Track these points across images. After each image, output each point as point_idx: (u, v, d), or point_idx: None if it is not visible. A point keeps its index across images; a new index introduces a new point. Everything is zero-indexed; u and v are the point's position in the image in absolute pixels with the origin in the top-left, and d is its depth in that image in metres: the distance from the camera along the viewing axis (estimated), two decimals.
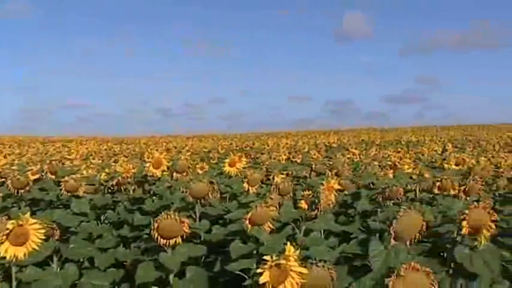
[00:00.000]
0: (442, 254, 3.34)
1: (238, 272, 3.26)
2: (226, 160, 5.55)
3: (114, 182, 5.53)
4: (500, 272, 3.14)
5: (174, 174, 5.41)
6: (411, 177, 6.06)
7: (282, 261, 2.32)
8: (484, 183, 5.67)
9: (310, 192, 4.03)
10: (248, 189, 4.82)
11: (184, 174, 5.46)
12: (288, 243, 2.39)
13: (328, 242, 3.91)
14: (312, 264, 2.60)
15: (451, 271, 3.14)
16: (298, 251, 2.38)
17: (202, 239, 4.23)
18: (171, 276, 3.37)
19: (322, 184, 4.14)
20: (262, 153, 13.50)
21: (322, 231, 4.07)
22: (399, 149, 16.28)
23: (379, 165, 7.97)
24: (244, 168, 5.64)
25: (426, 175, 5.98)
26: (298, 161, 10.54)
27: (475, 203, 2.97)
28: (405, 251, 2.81)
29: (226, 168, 5.52)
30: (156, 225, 3.28)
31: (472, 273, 2.95)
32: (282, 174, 6.39)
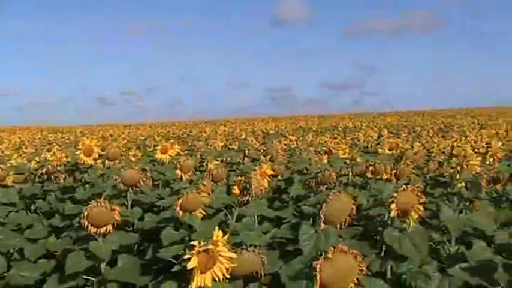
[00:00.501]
0: (375, 237, 3.39)
1: (170, 259, 3.23)
2: (158, 147, 5.50)
3: (43, 171, 5.39)
4: (429, 252, 3.21)
5: (106, 161, 5.32)
6: (345, 162, 6.10)
7: (210, 247, 2.30)
8: (416, 167, 5.77)
9: (243, 177, 4.01)
10: (181, 176, 4.78)
11: (117, 161, 5.38)
12: (217, 228, 2.37)
13: (261, 227, 3.92)
14: (243, 249, 2.60)
15: (383, 253, 3.18)
16: (228, 236, 2.37)
17: (135, 227, 4.18)
18: (102, 265, 3.32)
19: (254, 170, 4.12)
20: (199, 141, 13.41)
21: (255, 217, 4.06)
22: (336, 135, 16.43)
23: (315, 151, 8.00)
24: (179, 155, 5.60)
25: (358, 160, 6.03)
26: (235, 148, 10.50)
27: (404, 186, 3.01)
28: (335, 235, 2.82)
29: (159, 155, 5.47)
30: (85, 213, 3.22)
31: (402, 255, 3.00)
32: (217, 161, 6.35)
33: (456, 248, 3.52)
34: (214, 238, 2.32)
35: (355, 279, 2.27)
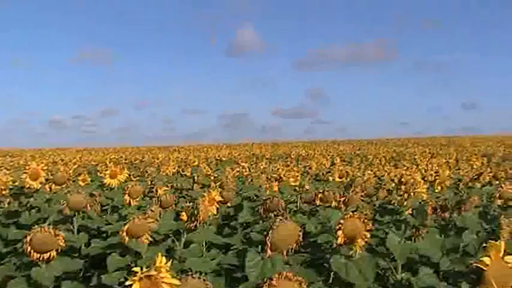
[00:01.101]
0: (323, 264, 3.38)
1: (116, 287, 3.17)
2: (107, 171, 5.43)
3: None
4: (376, 280, 3.21)
5: (53, 186, 5.22)
6: (295, 190, 6.11)
7: (153, 273, 2.25)
8: (365, 194, 5.81)
9: (191, 204, 3.98)
10: (129, 202, 4.72)
11: (64, 186, 5.30)
12: (159, 254, 2.33)
13: (209, 254, 3.88)
14: (188, 275, 2.55)
15: (331, 280, 3.17)
16: (173, 263, 2.33)
17: (81, 253, 4.10)
18: None
19: (203, 196, 4.09)
20: (151, 167, 13.31)
21: (204, 244, 4.03)
22: (288, 163, 16.47)
23: (267, 178, 8.01)
24: (131, 180, 5.55)
25: (307, 187, 6.04)
26: (188, 174, 10.45)
27: (351, 213, 3.01)
28: (282, 261, 2.80)
29: (108, 180, 5.40)
30: (28, 238, 3.14)
31: (349, 282, 2.99)
32: (167, 187, 6.30)
33: (402, 275, 3.54)
34: (157, 264, 2.27)
35: None
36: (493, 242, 1.76)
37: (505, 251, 1.80)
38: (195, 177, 7.09)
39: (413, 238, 3.90)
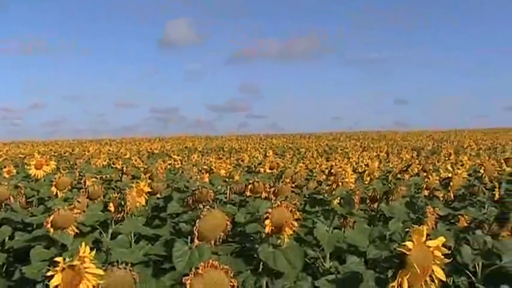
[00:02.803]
0: (253, 254, 3.37)
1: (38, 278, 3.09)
2: (32, 162, 5.29)
3: None
4: (304, 268, 3.22)
5: None
6: (225, 181, 6.10)
7: (76, 263, 2.20)
8: (296, 186, 5.84)
9: (118, 194, 3.91)
10: (56, 193, 4.61)
11: None
12: (83, 243, 2.27)
13: (138, 245, 3.82)
14: (113, 266, 2.50)
15: (260, 270, 3.17)
16: (97, 254, 2.28)
17: (4, 246, 3.98)
18: None
19: (131, 187, 4.03)
20: (81, 159, 13.11)
21: (132, 235, 3.97)
22: (221, 156, 16.48)
23: (199, 170, 7.98)
24: (59, 172, 5.42)
25: (237, 178, 6.04)
26: (118, 167, 10.32)
27: (279, 203, 3.01)
28: (209, 251, 2.77)
29: (32, 171, 5.25)
30: None
31: (277, 271, 2.99)
32: (96, 178, 6.19)
33: (331, 263, 3.57)
34: (81, 254, 2.22)
35: None
36: (416, 227, 1.78)
37: (428, 235, 1.83)
38: (124, 169, 6.97)
39: (341, 227, 3.94)
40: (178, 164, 11.76)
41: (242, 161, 13.22)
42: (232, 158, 14.66)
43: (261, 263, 3.17)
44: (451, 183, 4.89)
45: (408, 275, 1.75)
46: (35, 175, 5.29)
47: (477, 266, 3.39)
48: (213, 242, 2.83)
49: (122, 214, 3.59)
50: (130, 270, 2.54)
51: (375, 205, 4.74)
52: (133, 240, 3.99)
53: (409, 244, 1.73)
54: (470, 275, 3.36)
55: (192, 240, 2.76)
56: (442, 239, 1.82)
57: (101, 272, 2.27)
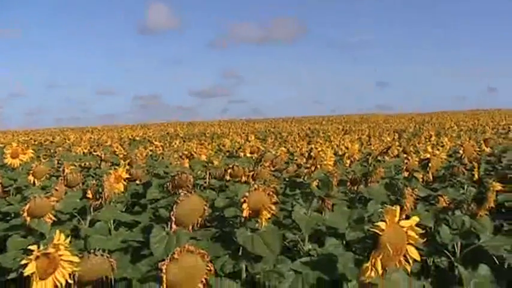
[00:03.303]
0: (232, 238, 3.37)
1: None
2: (8, 151, 5.23)
3: None
4: (284, 252, 3.22)
5: None
6: (205, 166, 6.08)
7: (51, 250, 2.18)
8: (276, 169, 5.84)
9: (96, 181, 3.88)
10: (34, 182, 4.57)
11: None
12: (57, 231, 2.25)
13: (117, 232, 3.80)
14: (90, 253, 2.49)
15: (240, 254, 3.16)
16: (75, 242, 2.26)
17: None
18: None
19: (109, 173, 4.00)
20: (62, 148, 13.03)
21: (111, 222, 3.95)
22: (203, 141, 16.45)
23: (180, 156, 7.94)
24: (40, 161, 5.37)
25: (216, 162, 6.02)
26: (100, 154, 10.26)
27: (256, 186, 3.00)
28: (187, 236, 2.76)
29: (8, 160, 5.19)
30: None
31: (256, 255, 2.98)
32: (75, 165, 6.14)
33: (310, 246, 3.57)
34: (55, 241, 2.20)
35: (204, 280, 2.22)
36: (389, 207, 1.78)
37: (403, 215, 1.83)
38: (102, 155, 6.93)
39: (320, 210, 3.94)
40: (159, 150, 11.71)
41: (223, 146, 13.18)
42: (213, 143, 14.63)
43: (240, 247, 3.16)
44: (430, 164, 4.89)
45: (382, 255, 1.75)
46: (10, 164, 5.23)
47: (456, 246, 3.41)
48: (190, 227, 2.82)
49: (100, 201, 3.56)
50: (107, 257, 2.53)
51: (355, 187, 4.75)
52: (112, 228, 3.97)
53: (381, 224, 1.72)
54: (449, 255, 3.38)
55: (170, 226, 2.75)
56: (415, 219, 1.82)
57: (76, 259, 2.26)
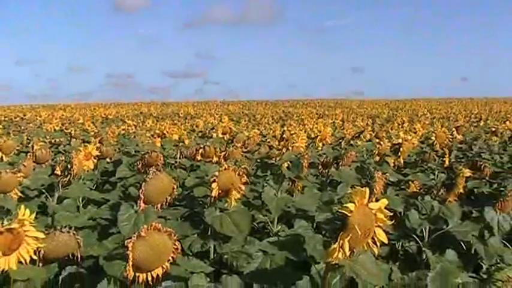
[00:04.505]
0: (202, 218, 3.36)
1: None
2: None
3: None
4: (253, 232, 3.21)
5: None
6: (176, 145, 6.06)
7: (15, 226, 2.14)
8: (248, 151, 5.83)
9: (65, 158, 3.84)
10: (1, 157, 4.52)
11: None
12: (22, 206, 2.22)
13: (86, 210, 3.76)
14: (56, 230, 2.46)
15: (209, 233, 3.15)
16: (41, 218, 2.23)
17: None
18: None
19: (79, 150, 3.96)
20: (33, 124, 12.91)
21: (80, 200, 3.92)
22: (176, 121, 16.41)
23: (152, 135, 7.91)
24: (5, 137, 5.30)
25: (187, 142, 6.00)
26: (68, 131, 10.18)
27: (226, 166, 2.99)
28: (155, 214, 2.74)
29: None
30: None
31: (224, 235, 2.98)
32: (44, 142, 6.07)
33: (279, 227, 3.57)
34: (20, 217, 2.16)
35: (171, 258, 2.21)
36: (358, 188, 1.77)
37: (377, 199, 1.82)
38: (72, 132, 6.86)
39: (291, 192, 3.94)
40: (132, 129, 11.65)
41: (197, 126, 13.16)
42: (187, 124, 14.61)
43: (209, 227, 3.15)
44: (401, 149, 4.93)
45: (349, 237, 1.74)
46: None
47: (424, 231, 3.43)
48: (159, 206, 2.81)
49: (69, 178, 3.52)
50: (74, 234, 2.50)
51: (326, 171, 4.75)
52: (81, 205, 3.94)
53: (350, 206, 1.71)
54: (418, 240, 3.40)
55: (138, 204, 2.73)
56: (384, 201, 1.81)
57: (41, 235, 2.22)
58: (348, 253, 1.78)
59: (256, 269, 2.67)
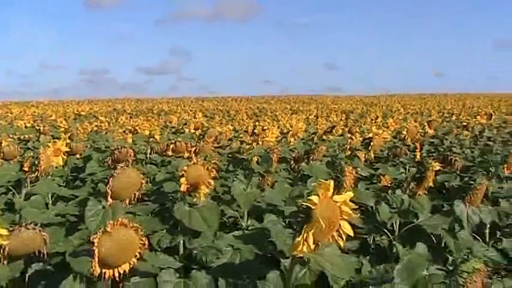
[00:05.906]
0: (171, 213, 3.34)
1: None
2: None
3: None
4: (223, 227, 3.21)
5: None
6: (147, 141, 6.03)
7: None
8: (220, 146, 5.83)
9: (34, 153, 3.80)
10: None
11: None
12: None
13: (55, 207, 3.72)
14: (21, 226, 2.42)
15: (179, 229, 3.13)
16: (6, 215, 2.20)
17: None
18: None
19: (48, 146, 3.92)
20: (6, 121, 12.79)
21: (49, 196, 3.88)
22: (150, 118, 16.35)
23: (124, 131, 7.86)
24: None
25: (157, 137, 5.96)
26: (39, 127, 10.08)
27: (195, 160, 2.97)
28: (123, 210, 2.71)
29: None
30: None
31: (193, 230, 2.97)
32: (13, 138, 6.01)
33: (249, 222, 3.57)
34: None
35: (138, 254, 2.19)
36: (322, 181, 1.77)
37: (347, 191, 1.82)
38: (41, 128, 6.79)
39: (261, 186, 3.94)
40: (105, 126, 11.57)
41: (170, 122, 13.13)
42: (160, 120, 14.56)
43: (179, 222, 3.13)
44: (371, 143, 4.95)
45: (314, 230, 1.74)
46: None
47: (395, 224, 3.45)
48: (127, 201, 2.78)
49: (36, 174, 3.48)
50: (40, 230, 2.46)
51: (297, 165, 4.76)
52: (50, 202, 3.90)
53: (314, 198, 1.71)
54: (388, 233, 3.42)
55: (106, 199, 2.70)
56: (349, 194, 1.81)
57: (5, 232, 2.19)
58: (312, 246, 1.77)
59: (224, 264, 2.66)
